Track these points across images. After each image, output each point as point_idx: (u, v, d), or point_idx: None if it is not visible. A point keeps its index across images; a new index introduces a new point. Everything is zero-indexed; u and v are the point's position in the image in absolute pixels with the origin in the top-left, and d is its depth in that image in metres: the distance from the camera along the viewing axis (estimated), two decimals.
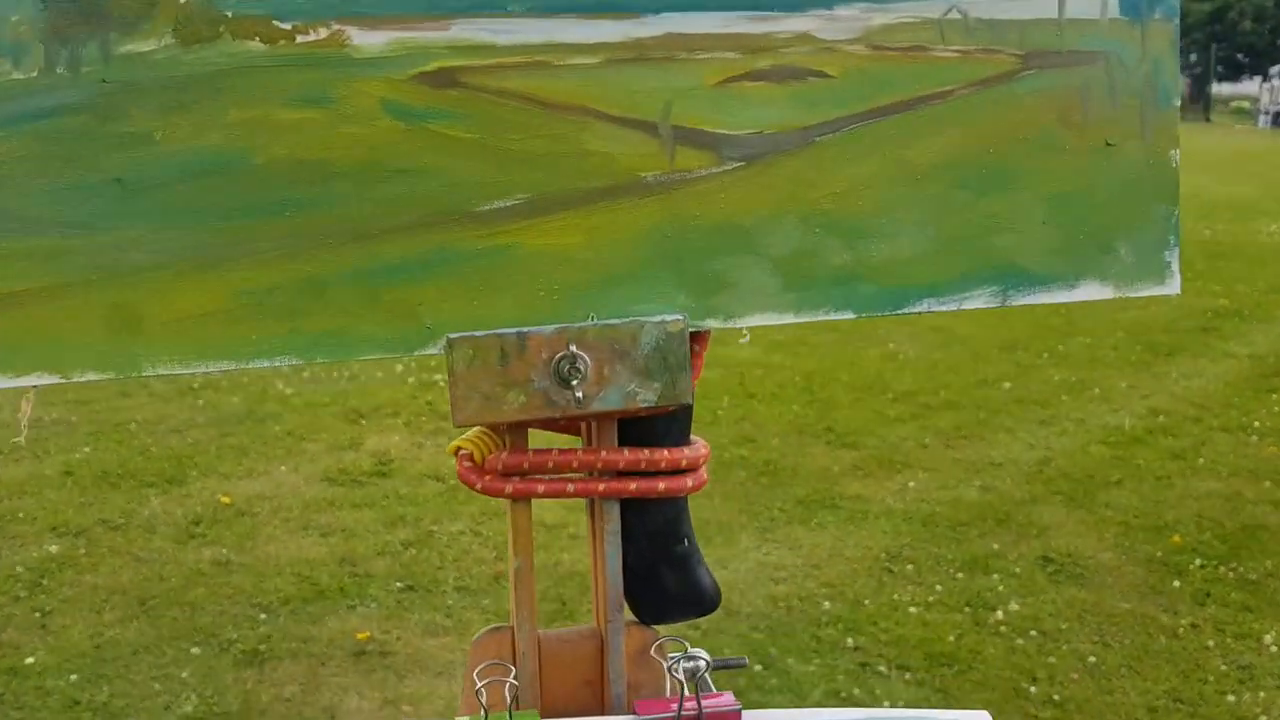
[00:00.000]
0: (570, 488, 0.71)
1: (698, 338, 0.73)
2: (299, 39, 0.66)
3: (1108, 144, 0.74)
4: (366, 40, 0.67)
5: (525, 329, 0.68)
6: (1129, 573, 3.36)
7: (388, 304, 0.68)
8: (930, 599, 3.19)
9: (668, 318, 0.70)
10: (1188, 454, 4.38)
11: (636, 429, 0.73)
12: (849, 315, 0.72)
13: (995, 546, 3.51)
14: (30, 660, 2.76)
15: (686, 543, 0.75)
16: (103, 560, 3.23)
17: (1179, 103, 0.75)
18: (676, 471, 0.73)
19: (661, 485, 0.72)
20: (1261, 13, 44.87)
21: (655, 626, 0.76)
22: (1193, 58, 45.41)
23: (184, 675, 2.74)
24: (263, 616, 2.99)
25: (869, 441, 4.39)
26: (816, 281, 0.73)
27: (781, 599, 3.16)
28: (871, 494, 3.84)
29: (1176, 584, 3.25)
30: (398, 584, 3.17)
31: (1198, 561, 3.38)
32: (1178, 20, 0.74)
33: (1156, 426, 4.69)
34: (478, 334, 0.68)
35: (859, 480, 3.98)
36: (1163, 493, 4.02)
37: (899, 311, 0.73)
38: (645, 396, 0.68)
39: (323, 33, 0.66)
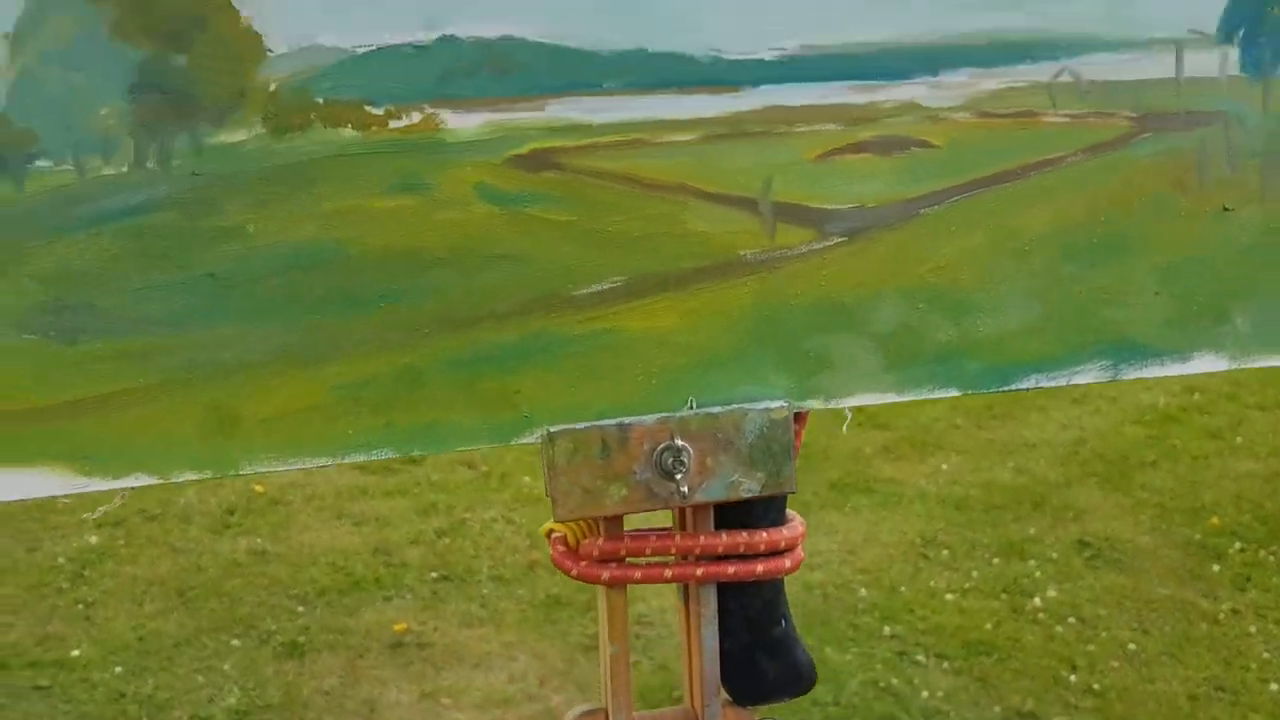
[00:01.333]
0: (667, 573, 0.70)
1: (798, 418, 0.71)
2: (392, 124, 0.64)
3: (1225, 209, 0.71)
4: (460, 123, 0.65)
5: (626, 420, 0.67)
6: (1167, 556, 3.35)
7: (485, 393, 0.67)
8: (967, 585, 3.19)
9: (771, 404, 0.68)
10: (1224, 433, 4.34)
11: (734, 508, 0.72)
12: (953, 392, 0.70)
13: (1031, 531, 3.50)
14: (76, 653, 2.80)
15: (784, 623, 0.74)
16: (141, 551, 3.26)
17: None
18: (774, 553, 0.71)
19: (760, 568, 0.71)
20: None
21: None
22: None
23: (225, 667, 2.77)
24: (300, 609, 3.01)
25: (900, 422, 4.37)
26: (920, 359, 0.71)
27: (818, 586, 3.16)
28: (905, 476, 3.83)
29: (1216, 568, 3.24)
30: (432, 574, 3.19)
31: (1237, 544, 3.36)
32: None
33: (1191, 404, 4.65)
34: (578, 426, 0.66)
35: (891, 463, 3.97)
36: (1200, 473, 3.99)
37: (1005, 389, 0.71)
38: (749, 486, 0.66)
39: (416, 117, 0.64)
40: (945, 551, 3.30)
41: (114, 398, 0.63)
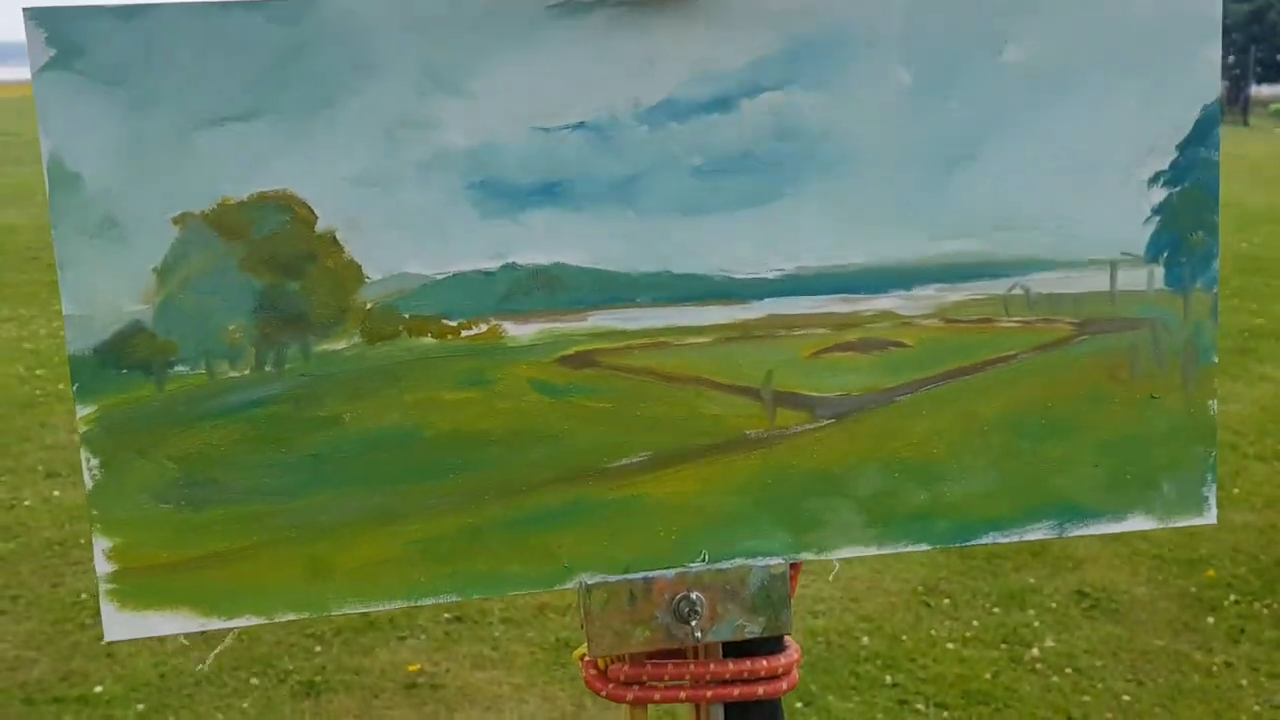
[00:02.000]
0: (682, 695, 0.86)
1: (793, 568, 0.87)
2: (463, 333, 0.81)
3: (1152, 397, 0.88)
4: (519, 332, 0.82)
5: (650, 574, 0.83)
6: (1163, 608, 3.49)
7: (533, 547, 0.83)
8: (967, 634, 3.33)
9: (771, 561, 0.84)
10: (1222, 483, 4.46)
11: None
12: (924, 547, 0.87)
13: (1031, 580, 3.64)
14: (99, 689, 2.96)
15: None
16: None
17: (1217, 359, 0.88)
18: (773, 677, 0.87)
19: (761, 690, 0.87)
20: None
21: None
22: (1230, 59, 44.75)
23: (244, 705, 2.93)
24: (317, 648, 3.17)
25: None
26: (896, 519, 0.87)
27: (821, 633, 3.31)
28: None
29: (1210, 620, 3.37)
30: (446, 615, 3.34)
31: (1232, 597, 3.50)
32: (1216, 289, 0.87)
33: None
34: (611, 579, 0.82)
35: None
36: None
37: (968, 543, 0.87)
38: (751, 629, 0.83)
39: (483, 327, 0.81)
40: (947, 600, 3.45)
41: (231, 554, 0.80)
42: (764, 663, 0.87)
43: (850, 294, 0.85)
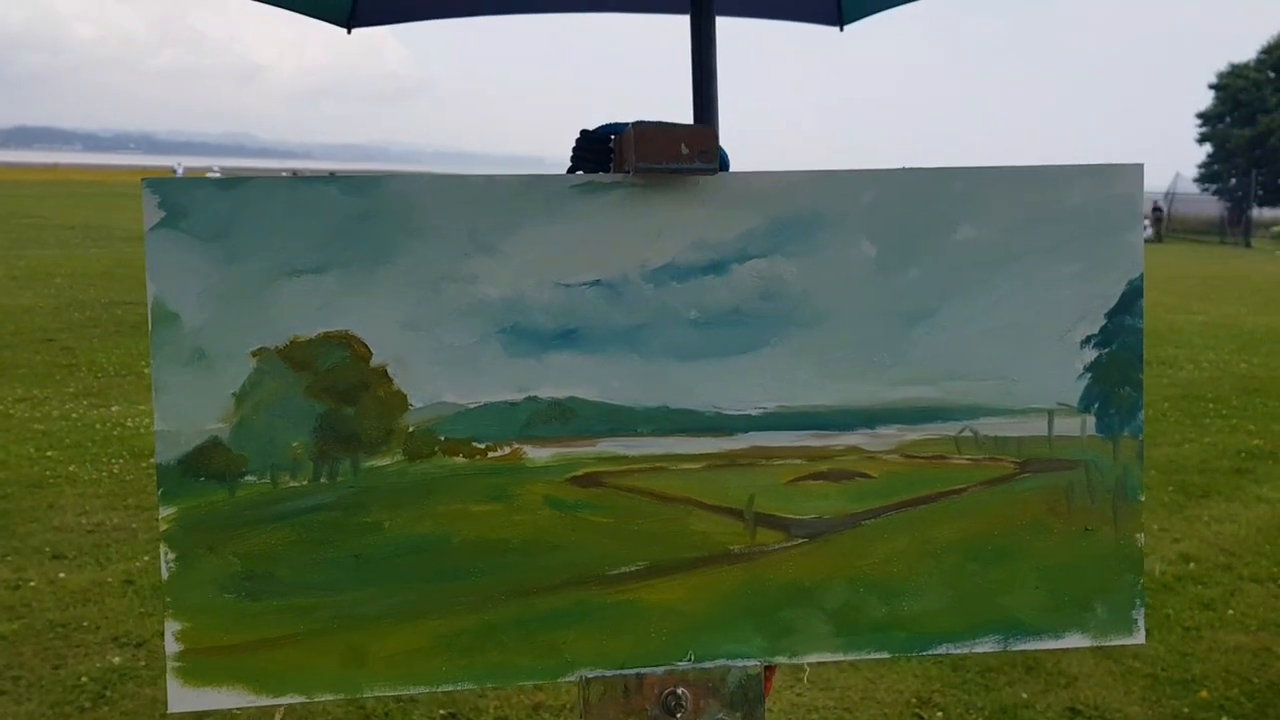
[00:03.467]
0: None
1: (768, 670, 1.00)
2: (490, 455, 0.96)
3: (1087, 529, 1.02)
4: (536, 455, 0.96)
5: (642, 670, 0.96)
6: None
7: (540, 643, 0.96)
8: None
9: (749, 663, 0.97)
10: (1217, 604, 4.53)
11: None
12: (884, 655, 0.99)
13: (1024, 695, 3.69)
14: None
15: None
16: (162, 673, 3.49)
17: (1143, 498, 1.02)
18: None
19: None
20: None
21: None
22: (1233, 182, 45.85)
23: None
24: None
25: None
26: (860, 629, 1.00)
27: None
28: None
29: None
30: (441, 711, 3.40)
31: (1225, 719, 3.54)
32: (1142, 436, 1.02)
33: (1187, 574, 4.85)
34: (608, 674, 0.95)
35: None
36: (1191, 645, 4.18)
37: (924, 653, 0.99)
38: None
39: (507, 450, 0.96)
40: (940, 713, 3.50)
41: (281, 640, 0.93)
42: None
43: (823, 430, 1.00)
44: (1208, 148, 50.32)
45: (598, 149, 1.01)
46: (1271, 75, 48.73)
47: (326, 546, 0.94)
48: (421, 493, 0.95)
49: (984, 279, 1.01)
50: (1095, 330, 1.02)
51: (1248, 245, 40.61)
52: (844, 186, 1.00)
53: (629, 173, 0.96)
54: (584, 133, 1.03)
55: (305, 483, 0.94)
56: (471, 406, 0.96)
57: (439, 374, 0.95)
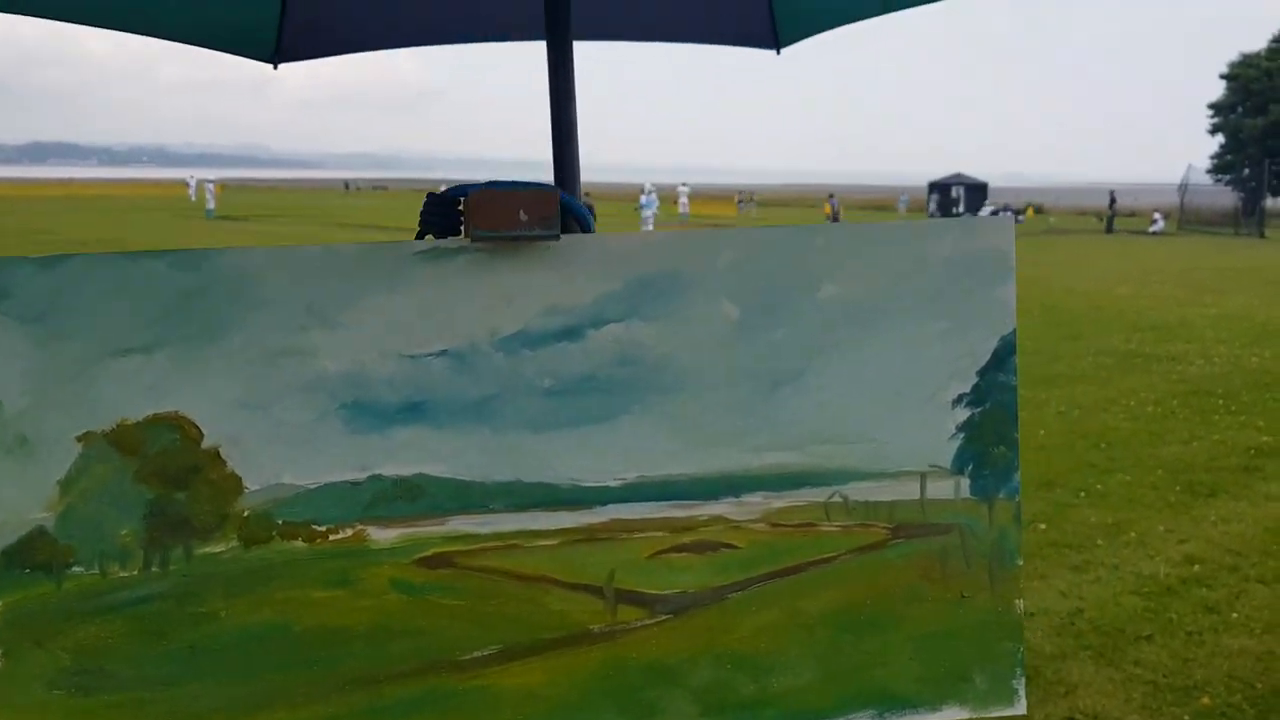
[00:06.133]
0: None
1: None
2: (331, 537, 0.92)
3: (963, 596, 0.97)
4: (381, 536, 0.93)
5: None
6: None
7: None
8: None
9: None
10: (1222, 607, 4.45)
11: None
12: None
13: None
14: None
15: None
16: None
17: (1021, 562, 0.98)
18: None
19: None
20: None
21: None
22: (1246, 172, 45.47)
23: None
24: None
25: None
26: (727, 707, 0.96)
27: None
28: None
29: None
30: None
31: None
32: (1019, 498, 0.97)
33: (1191, 576, 4.77)
34: None
35: None
36: (1194, 650, 4.10)
37: None
38: None
39: (349, 532, 0.92)
40: None
41: None
42: None
43: (686, 500, 0.96)
44: (1220, 138, 49.91)
45: (447, 212, 0.97)
46: None
47: (160, 638, 0.90)
48: (259, 580, 0.92)
49: (851, 338, 0.97)
50: (967, 389, 0.98)
51: (1262, 236, 40.27)
52: (702, 247, 0.96)
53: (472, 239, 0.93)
54: (431, 195, 0.99)
55: (136, 572, 0.90)
56: (311, 487, 0.92)
57: (276, 454, 0.92)
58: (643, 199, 30.45)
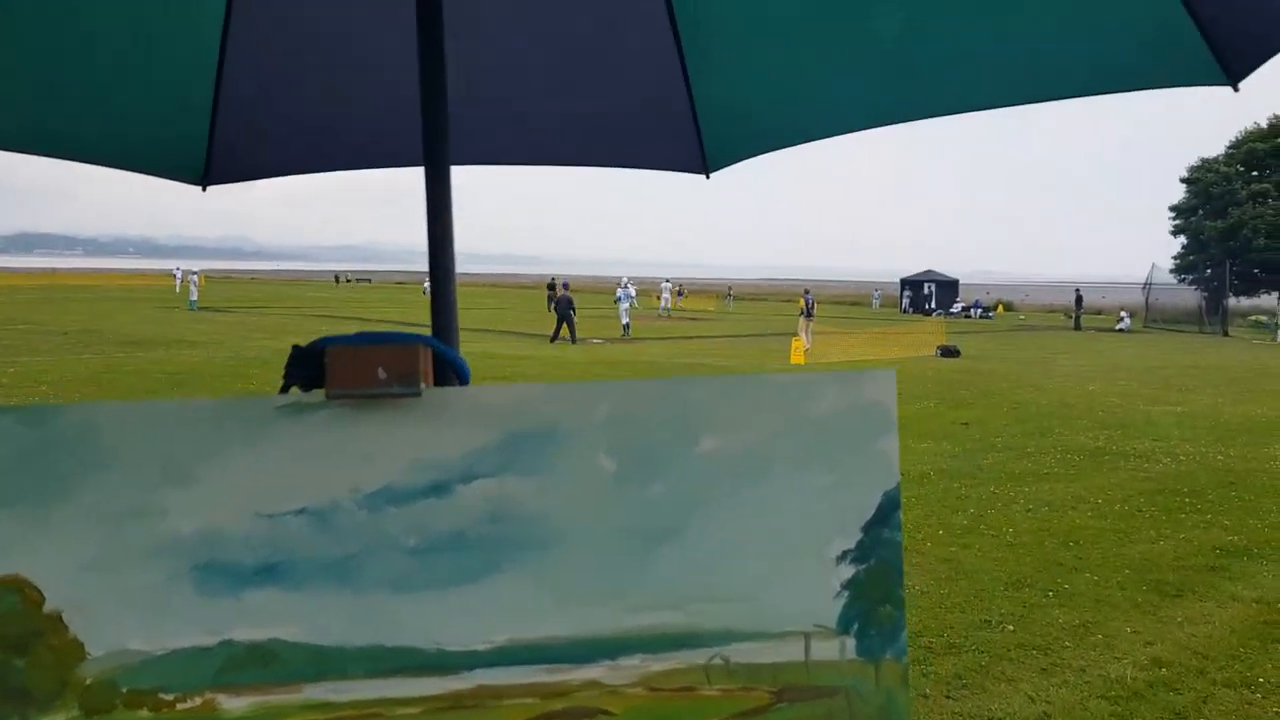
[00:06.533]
0: None
1: None
2: (179, 706, 0.87)
3: None
4: (232, 705, 0.87)
5: None
6: None
7: None
8: None
9: None
10: (1189, 712, 4.38)
11: None
12: None
13: None
14: None
15: None
16: None
17: None
18: None
19: None
20: (1275, 230, 46.59)
21: None
22: (1208, 272, 46.89)
23: None
24: None
25: None
26: None
27: None
28: None
29: None
30: None
31: None
32: (906, 659, 0.93)
33: (1158, 679, 4.70)
34: None
35: None
36: None
37: None
38: None
39: (198, 701, 0.87)
40: None
41: None
42: None
43: (558, 665, 0.91)
44: (1182, 239, 51.20)
45: (311, 365, 0.94)
46: (1240, 169, 49.96)
47: None
48: None
49: (732, 493, 0.94)
50: (852, 545, 0.94)
51: (1225, 334, 41.08)
52: (578, 400, 0.94)
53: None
54: (296, 348, 0.97)
55: None
56: (158, 653, 0.87)
57: (122, 618, 0.87)
58: (619, 292, 31.34)
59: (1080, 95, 1.68)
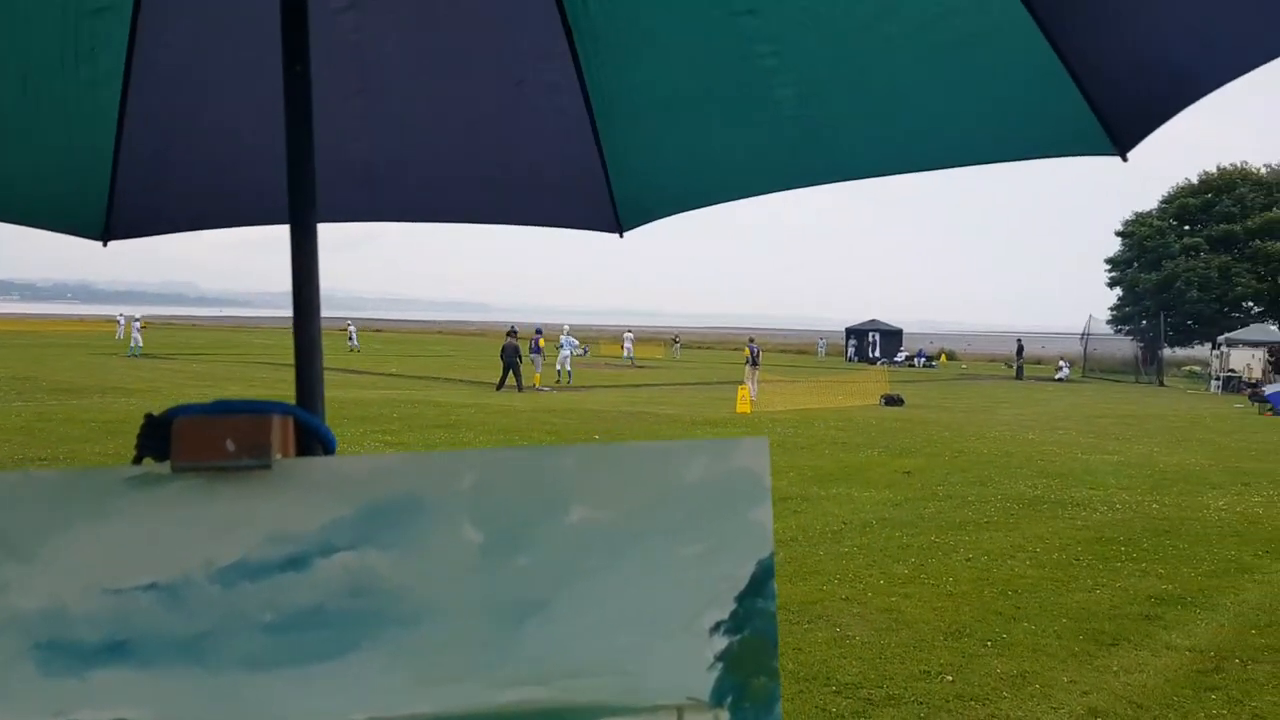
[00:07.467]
0: None
1: None
2: None
3: None
4: None
5: None
6: None
7: None
8: None
9: None
10: None
11: None
12: None
13: None
14: None
15: None
16: None
17: None
18: None
19: None
20: (1207, 282, 48.37)
21: None
22: (1144, 324, 48.56)
23: None
24: None
25: None
26: None
27: None
28: None
29: None
30: None
31: None
32: None
33: None
34: None
35: None
36: None
37: None
38: None
39: None
40: None
41: None
42: None
43: None
44: (1118, 291, 52.65)
45: (163, 434, 0.91)
46: (1173, 223, 51.64)
47: None
48: None
49: (601, 564, 0.92)
50: (725, 616, 0.93)
51: (1161, 384, 42.16)
52: (442, 469, 0.92)
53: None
54: (149, 416, 0.94)
55: None
56: None
57: None
58: (562, 339, 32.15)
59: (972, 164, 1.72)
